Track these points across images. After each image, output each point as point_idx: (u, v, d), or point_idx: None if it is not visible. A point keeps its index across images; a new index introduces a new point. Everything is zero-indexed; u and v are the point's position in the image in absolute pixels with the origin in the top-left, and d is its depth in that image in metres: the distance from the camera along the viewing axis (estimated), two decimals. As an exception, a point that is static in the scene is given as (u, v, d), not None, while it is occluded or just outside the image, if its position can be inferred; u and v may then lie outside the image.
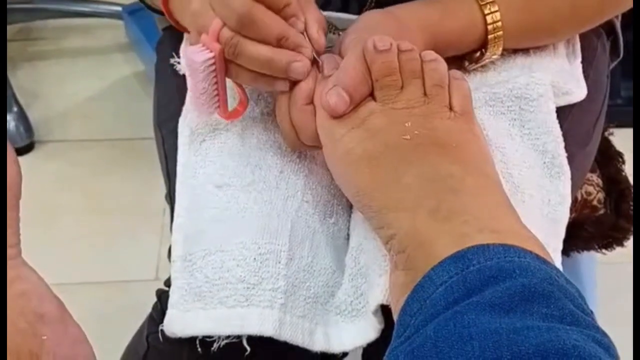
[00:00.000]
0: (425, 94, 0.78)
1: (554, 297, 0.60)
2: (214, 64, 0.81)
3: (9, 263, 0.58)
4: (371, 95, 0.79)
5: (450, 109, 0.78)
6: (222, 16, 0.79)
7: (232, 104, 0.89)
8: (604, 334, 0.59)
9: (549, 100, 0.89)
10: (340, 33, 0.92)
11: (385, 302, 0.76)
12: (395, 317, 0.71)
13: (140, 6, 1.02)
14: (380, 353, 0.65)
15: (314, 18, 0.83)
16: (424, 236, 0.69)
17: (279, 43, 0.80)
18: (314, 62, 0.82)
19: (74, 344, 0.60)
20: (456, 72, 0.81)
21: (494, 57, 0.92)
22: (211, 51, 0.80)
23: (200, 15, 0.82)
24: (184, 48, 0.97)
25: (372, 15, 0.88)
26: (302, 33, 0.82)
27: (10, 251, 0.59)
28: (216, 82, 0.83)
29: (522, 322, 0.57)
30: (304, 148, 0.86)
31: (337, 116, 0.78)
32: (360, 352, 0.87)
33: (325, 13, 0.95)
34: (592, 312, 0.62)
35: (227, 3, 0.78)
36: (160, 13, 0.96)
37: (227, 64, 0.82)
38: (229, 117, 0.88)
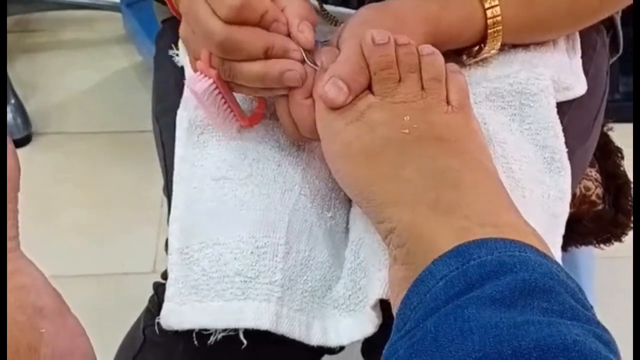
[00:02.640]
0: (422, 87, 0.78)
1: (554, 292, 0.60)
2: (216, 87, 0.82)
3: (8, 256, 0.58)
4: (369, 89, 0.79)
5: (448, 103, 0.78)
6: (205, 45, 0.79)
7: (250, 105, 0.90)
8: (605, 330, 0.59)
9: (549, 95, 0.89)
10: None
11: (384, 297, 0.76)
12: (394, 311, 0.71)
13: (138, -1, 1.02)
14: (379, 347, 0.65)
15: (293, 13, 0.81)
16: (424, 230, 0.69)
17: (267, 54, 0.79)
18: (308, 59, 0.82)
19: (72, 337, 0.60)
20: (453, 66, 0.81)
21: (493, 52, 0.91)
22: (209, 77, 0.81)
23: (189, 41, 0.83)
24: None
25: (369, 10, 0.87)
26: (288, 35, 0.81)
27: (9, 244, 0.59)
28: (225, 102, 0.84)
29: (523, 317, 0.57)
30: (304, 140, 0.86)
31: (336, 108, 0.78)
32: (359, 346, 0.87)
33: (326, 7, 0.95)
34: (592, 307, 0.62)
35: (206, 33, 0.78)
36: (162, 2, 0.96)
37: (228, 83, 0.82)
38: (250, 123, 0.88)
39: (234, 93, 0.85)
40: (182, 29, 0.83)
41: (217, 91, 0.82)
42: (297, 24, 0.81)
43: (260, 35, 0.79)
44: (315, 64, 0.81)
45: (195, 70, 0.83)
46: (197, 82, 0.81)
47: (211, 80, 0.81)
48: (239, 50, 0.78)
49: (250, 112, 0.89)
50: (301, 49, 0.80)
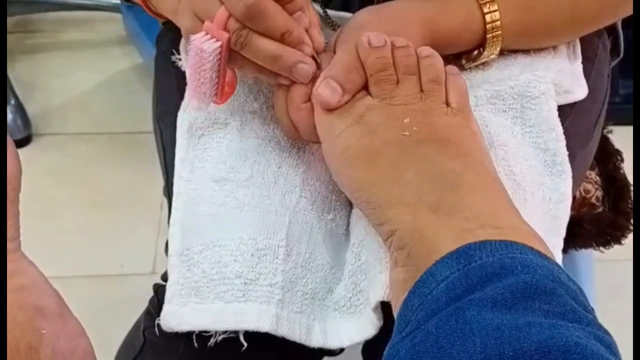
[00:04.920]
0: (421, 90, 0.78)
1: (555, 294, 0.60)
2: (219, 53, 0.79)
3: (9, 257, 0.58)
4: (367, 92, 0.79)
5: (447, 105, 0.78)
6: (228, 5, 0.77)
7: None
8: (606, 332, 0.59)
9: (550, 98, 0.89)
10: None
11: (385, 299, 0.76)
12: (395, 313, 0.71)
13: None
14: (380, 349, 0.65)
15: (315, 19, 0.83)
16: (425, 232, 0.69)
17: (283, 37, 0.79)
18: (314, 61, 0.82)
19: (72, 337, 0.60)
20: (452, 68, 0.81)
21: (492, 57, 0.92)
22: (218, 40, 0.78)
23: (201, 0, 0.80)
24: (184, 42, 0.96)
25: (366, 14, 0.87)
26: (306, 30, 0.81)
27: (10, 245, 0.59)
28: (218, 71, 0.81)
29: (524, 319, 0.57)
30: (303, 140, 0.86)
31: (331, 108, 0.78)
32: (360, 347, 0.87)
33: (328, 12, 0.95)
34: (593, 309, 0.62)
35: None
36: (133, 3, 0.96)
37: (231, 53, 0.80)
38: (221, 102, 0.86)
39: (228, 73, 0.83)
40: None
41: (218, 57, 0.79)
42: (317, 28, 0.82)
43: (285, 16, 0.78)
44: (317, 66, 0.81)
45: (194, 32, 0.80)
46: (205, 42, 0.78)
47: (220, 43, 0.78)
48: (262, 20, 0.77)
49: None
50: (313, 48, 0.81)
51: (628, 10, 0.95)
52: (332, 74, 0.78)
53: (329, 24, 0.95)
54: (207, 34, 0.78)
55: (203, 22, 0.79)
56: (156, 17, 0.95)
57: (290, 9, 0.79)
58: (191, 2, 0.81)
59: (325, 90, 0.78)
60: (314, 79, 0.80)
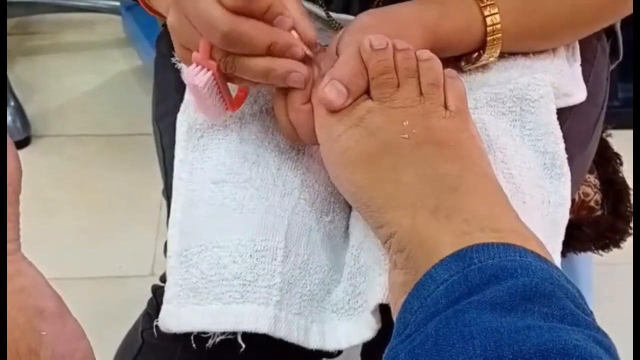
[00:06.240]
0: (421, 93, 0.78)
1: (555, 297, 0.60)
2: (214, 79, 0.80)
3: (9, 258, 0.58)
4: (368, 94, 0.79)
5: (446, 108, 0.78)
6: (207, 36, 0.77)
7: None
8: (605, 335, 0.59)
9: (549, 101, 0.89)
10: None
11: (384, 302, 0.76)
12: (394, 316, 0.71)
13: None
14: (379, 351, 0.65)
15: (297, 10, 0.80)
16: (424, 235, 0.69)
17: (269, 50, 0.78)
18: (307, 59, 0.81)
19: (72, 339, 0.60)
20: (451, 71, 0.81)
21: (491, 59, 0.92)
22: (208, 69, 0.79)
23: (180, 31, 0.80)
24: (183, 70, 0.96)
25: (368, 16, 0.87)
26: (291, 30, 0.80)
27: (10, 246, 0.59)
28: (219, 91, 0.83)
29: (523, 322, 0.57)
30: (303, 143, 0.86)
31: (335, 110, 0.78)
32: (359, 349, 0.87)
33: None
34: (592, 312, 0.62)
35: (209, 23, 0.75)
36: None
37: (226, 74, 0.81)
38: (234, 109, 0.88)
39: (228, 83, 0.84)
40: (172, 17, 0.80)
41: (214, 82, 0.81)
42: (302, 22, 0.80)
43: (265, 30, 0.77)
44: (312, 63, 0.81)
45: (185, 61, 0.82)
46: (196, 75, 0.79)
47: (210, 72, 0.79)
48: (243, 44, 0.76)
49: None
50: (304, 46, 0.80)
51: (628, 10, 0.95)
52: (338, 75, 0.78)
53: (331, 25, 0.95)
54: (197, 65, 0.79)
55: (191, 51, 0.80)
56: (154, 14, 0.95)
57: (268, 18, 0.77)
58: (174, 35, 0.82)
59: (332, 91, 0.78)
60: (312, 78, 0.81)
